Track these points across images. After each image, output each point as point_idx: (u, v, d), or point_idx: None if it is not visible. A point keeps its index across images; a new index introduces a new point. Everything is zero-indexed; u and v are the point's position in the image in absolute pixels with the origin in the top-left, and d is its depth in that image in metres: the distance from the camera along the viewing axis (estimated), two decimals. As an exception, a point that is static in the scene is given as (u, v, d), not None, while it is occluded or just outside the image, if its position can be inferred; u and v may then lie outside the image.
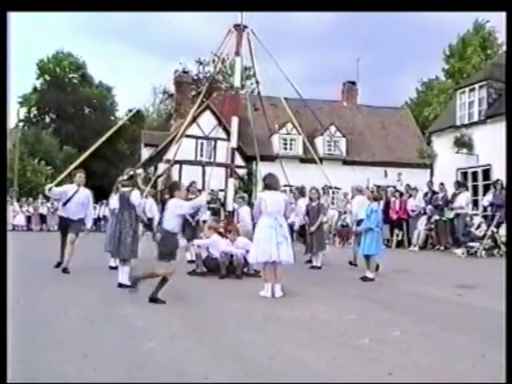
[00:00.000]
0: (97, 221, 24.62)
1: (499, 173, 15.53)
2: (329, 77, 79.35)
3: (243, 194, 13.64)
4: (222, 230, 9.74)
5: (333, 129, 33.17)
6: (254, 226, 8.59)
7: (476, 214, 15.97)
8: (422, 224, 16.14)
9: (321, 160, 17.29)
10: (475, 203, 17.77)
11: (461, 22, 55.72)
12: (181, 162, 27.89)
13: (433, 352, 4.23)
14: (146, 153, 34.09)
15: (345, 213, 16.70)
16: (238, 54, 10.61)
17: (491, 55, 37.23)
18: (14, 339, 4.10)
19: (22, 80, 50.59)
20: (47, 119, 52.81)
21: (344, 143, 33.19)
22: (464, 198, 15.24)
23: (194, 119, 27.13)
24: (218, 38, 11.01)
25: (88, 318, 5.30)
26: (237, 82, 10.89)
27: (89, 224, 9.77)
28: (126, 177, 7.73)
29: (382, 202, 12.23)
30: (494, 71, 19.61)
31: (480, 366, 3.86)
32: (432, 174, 21.38)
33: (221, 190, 20.88)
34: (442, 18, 59.90)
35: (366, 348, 4.34)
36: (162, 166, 26.44)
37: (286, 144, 31.72)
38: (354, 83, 37.96)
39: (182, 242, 10.32)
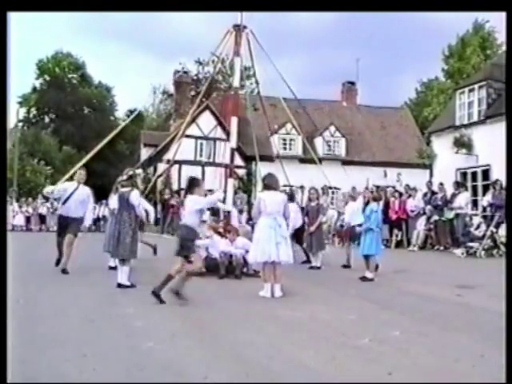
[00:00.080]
0: (96, 221, 24.61)
1: (499, 173, 15.53)
2: (328, 77, 79.44)
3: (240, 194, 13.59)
4: (221, 230, 9.74)
5: (332, 129, 33.23)
6: (253, 226, 8.60)
7: (475, 214, 15.97)
8: (421, 224, 16.14)
9: (320, 160, 17.28)
10: (475, 203, 17.77)
11: (460, 22, 55.87)
12: (180, 162, 27.90)
13: (432, 352, 4.24)
14: (145, 153, 34.11)
15: (343, 213, 16.66)
16: (237, 54, 10.61)
17: (491, 55, 37.25)
18: (14, 339, 4.10)
19: (22, 80, 50.84)
20: (47, 119, 52.79)
21: (344, 143, 33.24)
22: (463, 198, 15.25)
23: (194, 119, 27.14)
24: (217, 38, 11.01)
25: (88, 318, 5.30)
26: (236, 82, 10.90)
27: (87, 222, 9.58)
28: (125, 177, 7.73)
29: (381, 203, 12.24)
30: (493, 71, 19.62)
31: (479, 366, 3.86)
32: (431, 174, 21.39)
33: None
34: (441, 18, 60.03)
35: (365, 348, 4.35)
36: (161, 166, 26.46)
37: (285, 144, 31.75)
38: (353, 83, 38.02)
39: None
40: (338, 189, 21.17)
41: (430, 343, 4.53)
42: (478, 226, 13.90)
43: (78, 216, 9.28)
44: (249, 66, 12.76)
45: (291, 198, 12.22)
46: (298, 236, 11.14)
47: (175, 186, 27.77)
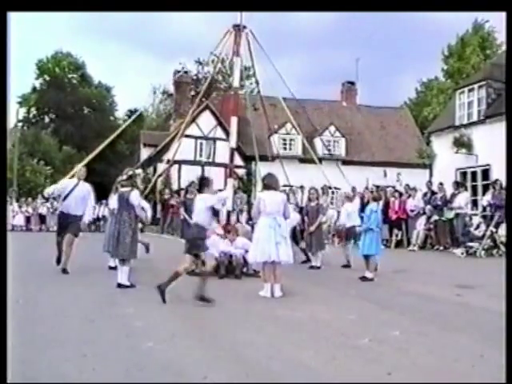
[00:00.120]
0: (96, 221, 24.60)
1: (498, 173, 15.53)
2: (328, 77, 79.40)
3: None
4: (221, 229, 9.74)
5: (332, 129, 33.25)
6: (252, 226, 8.60)
7: (475, 214, 15.97)
8: (421, 224, 16.14)
9: (320, 160, 17.29)
10: (474, 203, 17.77)
11: (460, 22, 55.90)
12: (180, 162, 27.91)
13: (432, 352, 4.24)
14: (145, 153, 34.10)
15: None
16: (237, 54, 10.62)
17: (490, 55, 37.26)
18: (14, 339, 4.10)
19: (22, 80, 50.85)
20: (46, 119, 52.79)
21: (343, 143, 33.26)
22: (463, 198, 15.24)
23: (193, 119, 27.13)
24: (217, 38, 11.01)
25: (87, 318, 5.30)
26: (236, 82, 10.90)
27: (86, 218, 9.43)
28: (125, 177, 7.73)
29: (381, 202, 12.24)
30: (493, 71, 19.61)
31: (479, 366, 3.87)
32: (431, 174, 21.38)
33: (220, 190, 20.86)
34: (441, 18, 60.03)
35: (365, 348, 4.35)
36: (161, 166, 26.46)
37: (285, 144, 31.75)
38: (353, 83, 38.03)
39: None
40: (338, 189, 21.18)
41: (429, 343, 4.53)
42: (478, 226, 13.91)
43: (79, 213, 9.16)
44: (249, 66, 12.78)
45: (287, 198, 12.23)
46: (293, 236, 11.14)
47: (175, 186, 27.79)
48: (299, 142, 30.88)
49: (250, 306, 6.10)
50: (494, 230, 13.30)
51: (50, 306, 6.01)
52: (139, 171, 8.59)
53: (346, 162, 31.38)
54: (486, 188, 17.37)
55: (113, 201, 9.03)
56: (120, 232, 7.37)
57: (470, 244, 13.41)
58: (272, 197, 7.17)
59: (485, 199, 15.26)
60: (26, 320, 5.17)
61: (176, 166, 28.13)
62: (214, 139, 29.56)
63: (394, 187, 21.99)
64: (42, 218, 27.00)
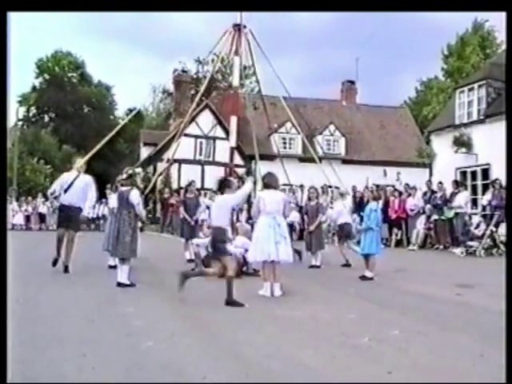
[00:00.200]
0: (96, 220, 24.60)
1: (498, 172, 15.52)
2: (328, 76, 79.46)
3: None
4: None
5: (332, 128, 33.25)
6: (252, 225, 8.60)
7: (475, 214, 15.98)
8: (421, 223, 16.14)
9: (320, 159, 17.28)
10: (474, 202, 17.78)
11: (460, 21, 55.83)
12: (180, 161, 27.91)
13: (432, 351, 4.24)
14: (145, 152, 34.11)
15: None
16: (236, 53, 10.61)
17: (490, 54, 37.23)
18: (14, 339, 4.10)
19: (22, 79, 50.79)
20: (46, 118, 52.74)
21: (343, 142, 33.26)
22: (463, 198, 15.24)
23: (193, 118, 27.15)
24: (217, 37, 11.00)
25: (87, 318, 5.30)
26: (235, 82, 10.89)
27: (86, 211, 9.23)
28: (124, 176, 7.73)
29: (381, 202, 12.24)
30: (492, 70, 19.60)
31: (479, 366, 3.87)
32: (431, 174, 21.38)
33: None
34: (440, 17, 59.97)
35: (365, 347, 4.35)
36: (161, 165, 26.47)
37: (285, 143, 31.74)
38: (353, 82, 38.03)
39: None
40: (338, 188, 21.20)
41: (429, 342, 4.53)
42: (478, 225, 13.91)
43: (80, 206, 9.05)
44: (248, 65, 12.77)
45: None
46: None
47: (175, 185, 27.79)
48: (299, 141, 30.89)
49: (250, 306, 6.09)
50: (493, 229, 13.30)
51: (49, 306, 6.01)
52: (139, 170, 8.58)
53: (345, 162, 31.47)
54: (485, 187, 17.36)
55: (112, 200, 9.03)
56: (120, 231, 7.37)
57: (470, 243, 13.41)
58: (272, 196, 7.17)
59: (485, 198, 15.26)
60: (26, 320, 5.17)
61: (176, 165, 28.12)
62: (214, 138, 29.58)
63: (393, 186, 21.98)
64: (42, 217, 27.01)
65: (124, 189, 7.58)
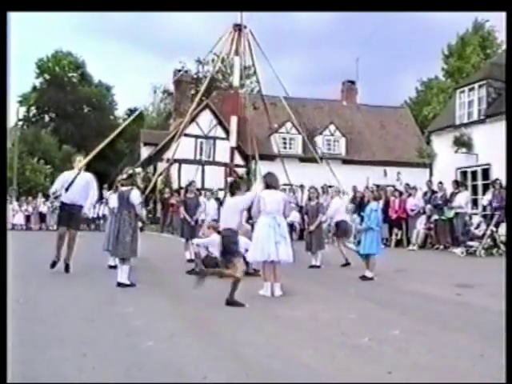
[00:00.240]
0: (96, 220, 24.59)
1: (499, 172, 15.51)
2: (328, 76, 79.51)
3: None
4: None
5: (332, 128, 33.25)
6: (252, 225, 8.59)
7: (475, 214, 15.97)
8: (421, 223, 16.13)
9: (321, 159, 17.29)
10: (475, 202, 17.76)
11: (460, 21, 55.79)
12: (180, 161, 27.90)
13: (432, 351, 4.24)
14: (145, 152, 34.10)
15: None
16: (237, 53, 10.62)
17: (490, 54, 37.23)
18: (14, 339, 4.10)
19: (22, 79, 50.84)
20: (46, 118, 52.74)
21: (343, 142, 33.26)
22: (463, 198, 15.23)
23: (193, 118, 27.14)
24: (217, 37, 11.03)
25: (87, 317, 5.30)
26: (236, 82, 10.91)
27: (86, 208, 9.22)
28: (125, 176, 7.73)
29: (381, 202, 12.23)
30: (493, 70, 19.58)
31: (479, 366, 3.87)
32: (431, 174, 21.35)
33: (220, 189, 20.90)
34: (441, 17, 59.98)
35: (365, 347, 4.35)
36: (161, 165, 26.47)
37: (285, 143, 31.72)
38: (353, 82, 38.02)
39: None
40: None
41: (429, 342, 4.53)
42: (478, 225, 13.90)
43: (82, 204, 9.01)
44: (249, 65, 12.78)
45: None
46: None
47: (175, 185, 27.78)
48: (299, 141, 30.89)
49: (250, 305, 6.09)
50: (494, 229, 13.29)
51: (49, 306, 6.01)
52: (139, 170, 8.58)
53: (346, 162, 31.48)
54: (486, 187, 17.35)
55: (113, 200, 9.02)
56: (120, 231, 7.37)
57: (470, 243, 13.41)
58: (272, 196, 7.17)
59: (485, 198, 15.25)
60: (26, 319, 5.16)
61: (176, 165, 28.11)
62: (214, 138, 29.56)
63: (394, 186, 21.98)
64: (42, 217, 27.00)
65: (124, 189, 7.57)
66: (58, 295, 6.77)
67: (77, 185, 8.99)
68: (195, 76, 38.94)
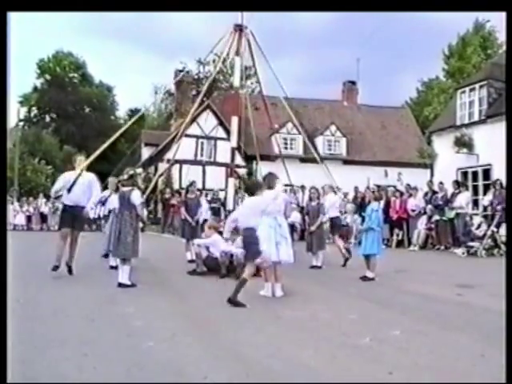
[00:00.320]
0: (97, 220, 24.57)
1: (499, 172, 15.50)
2: (329, 76, 79.51)
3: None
4: (222, 229, 9.73)
5: (333, 128, 33.25)
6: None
7: (476, 214, 15.96)
8: (422, 224, 16.12)
9: (322, 159, 17.28)
10: (475, 203, 17.75)
11: (461, 21, 55.68)
12: (181, 162, 27.89)
13: (432, 351, 4.24)
14: (146, 152, 34.11)
15: (345, 212, 16.67)
16: (237, 53, 10.62)
17: (491, 55, 37.21)
18: (14, 339, 4.10)
19: (22, 79, 50.91)
20: (47, 118, 52.78)
21: (344, 143, 33.26)
22: (464, 198, 15.23)
23: (194, 119, 27.13)
24: (218, 37, 11.03)
25: (88, 317, 5.30)
26: (236, 82, 10.90)
27: (89, 206, 8.96)
28: (125, 176, 7.73)
29: (382, 202, 12.23)
30: (494, 71, 19.57)
31: (479, 366, 3.87)
32: (432, 174, 21.33)
33: (221, 190, 20.90)
34: (442, 17, 59.97)
35: (365, 347, 4.35)
36: (162, 166, 26.47)
37: (286, 144, 31.70)
38: (354, 83, 38.03)
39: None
40: (340, 188, 21.19)
41: (430, 342, 4.53)
42: (479, 226, 13.89)
43: (85, 205, 8.81)
44: (249, 66, 12.78)
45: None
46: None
47: (176, 186, 27.79)
48: (300, 141, 30.88)
49: (251, 306, 6.09)
50: (495, 229, 13.29)
51: (50, 306, 6.01)
52: (140, 171, 8.57)
53: (347, 162, 31.48)
54: (487, 188, 17.34)
55: (113, 200, 9.01)
56: (121, 231, 7.38)
57: (471, 244, 13.40)
58: (272, 196, 7.17)
59: (486, 199, 15.25)
60: (27, 319, 5.17)
61: (177, 166, 28.10)
62: (215, 139, 29.56)
63: (394, 187, 21.99)
64: (43, 218, 27.01)
65: (125, 189, 7.58)
66: (58, 295, 6.78)
67: (79, 186, 8.79)
68: (196, 76, 38.95)
